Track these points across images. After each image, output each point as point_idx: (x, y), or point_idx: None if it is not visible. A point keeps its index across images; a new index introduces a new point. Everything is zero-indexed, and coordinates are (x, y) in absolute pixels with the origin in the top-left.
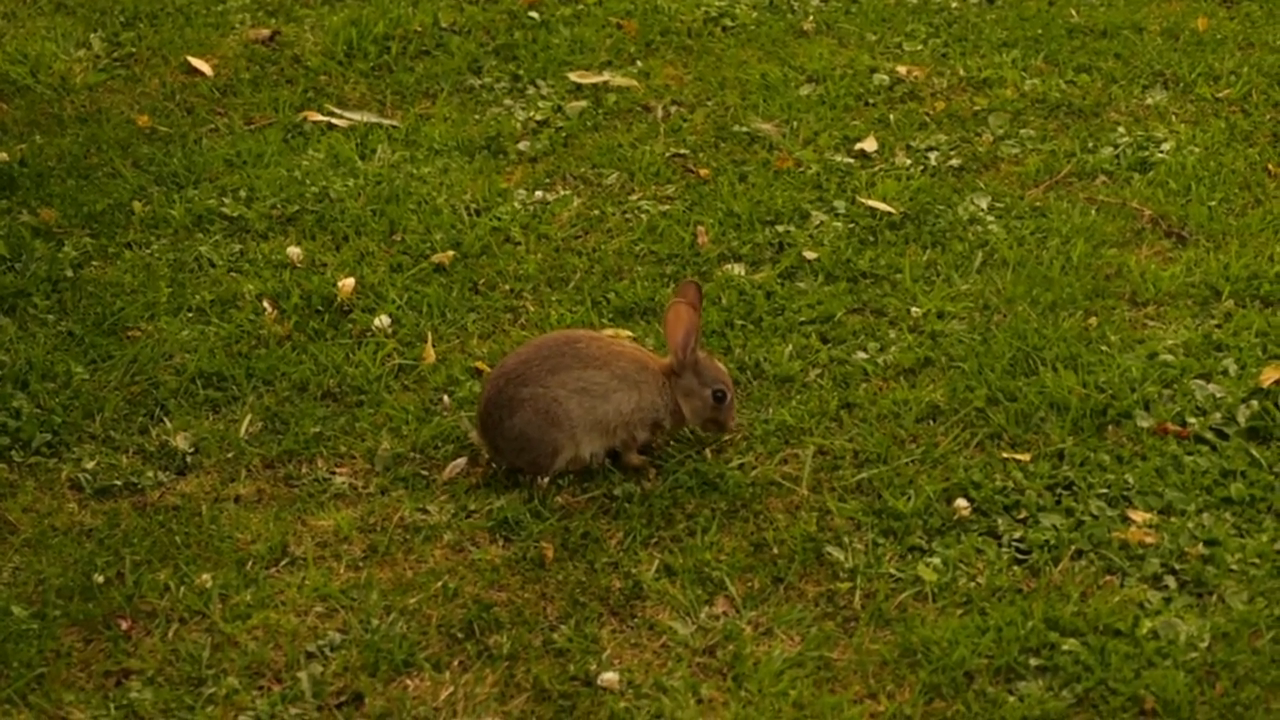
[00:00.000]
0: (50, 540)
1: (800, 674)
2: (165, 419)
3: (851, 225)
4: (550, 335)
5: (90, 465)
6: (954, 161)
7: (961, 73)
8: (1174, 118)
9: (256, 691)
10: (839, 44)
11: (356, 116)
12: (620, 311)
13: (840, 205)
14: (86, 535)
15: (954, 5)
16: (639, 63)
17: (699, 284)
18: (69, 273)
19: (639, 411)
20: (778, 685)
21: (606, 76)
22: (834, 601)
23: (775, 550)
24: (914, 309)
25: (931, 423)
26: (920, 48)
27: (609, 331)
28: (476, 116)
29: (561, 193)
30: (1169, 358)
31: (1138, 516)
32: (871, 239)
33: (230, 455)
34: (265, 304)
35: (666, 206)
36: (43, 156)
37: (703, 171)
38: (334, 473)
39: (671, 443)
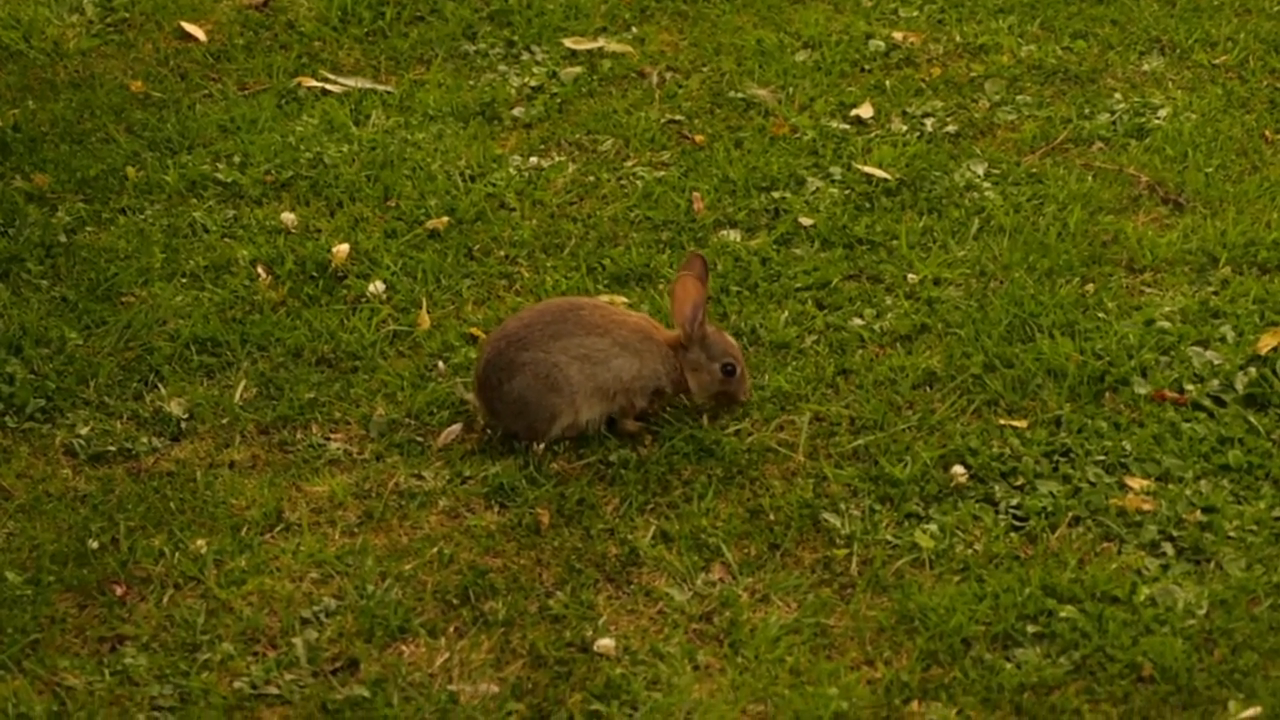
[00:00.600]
0: (44, 506)
1: (797, 640)
2: (160, 385)
3: (847, 191)
4: (553, 301)
5: (84, 431)
6: (950, 128)
7: (958, 39)
8: (1171, 84)
9: (251, 657)
10: (835, 9)
11: (351, 82)
12: (615, 278)
13: (836, 171)
14: (81, 501)
15: None
16: (634, 29)
17: (704, 257)
18: (62, 238)
19: (639, 379)
20: (774, 652)
21: (601, 42)
22: (831, 568)
23: (772, 517)
24: (910, 275)
25: (928, 389)
26: (916, 13)
27: (605, 298)
28: (471, 82)
29: (556, 159)
30: (1166, 324)
31: (1135, 483)
32: (868, 205)
33: (225, 421)
34: (259, 270)
35: (662, 173)
36: (36, 122)
37: (698, 138)
38: (329, 438)
39: (668, 409)
